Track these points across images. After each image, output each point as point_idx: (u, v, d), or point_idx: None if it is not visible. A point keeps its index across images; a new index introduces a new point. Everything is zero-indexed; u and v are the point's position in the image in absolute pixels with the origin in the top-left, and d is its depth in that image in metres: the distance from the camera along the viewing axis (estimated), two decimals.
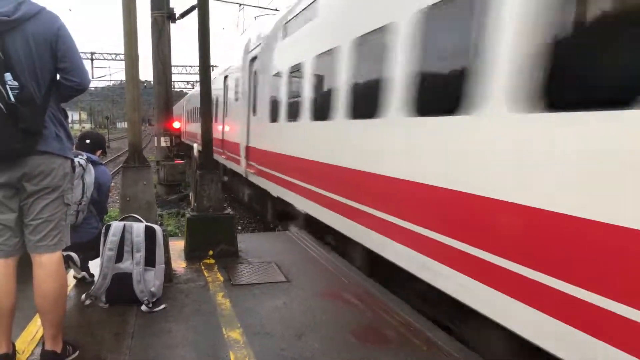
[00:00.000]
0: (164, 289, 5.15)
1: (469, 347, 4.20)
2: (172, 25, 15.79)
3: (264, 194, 10.82)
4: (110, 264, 4.89)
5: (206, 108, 6.95)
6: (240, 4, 22.04)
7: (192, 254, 6.48)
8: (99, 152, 5.54)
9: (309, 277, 5.87)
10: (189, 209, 7.13)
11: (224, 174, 16.65)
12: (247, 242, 7.32)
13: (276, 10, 20.13)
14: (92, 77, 56.70)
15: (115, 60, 57.08)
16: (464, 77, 3.96)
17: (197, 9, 6.84)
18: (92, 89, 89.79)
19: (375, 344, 4.15)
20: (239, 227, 13.18)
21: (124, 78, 5.65)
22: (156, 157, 17.15)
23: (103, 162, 5.58)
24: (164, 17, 15.23)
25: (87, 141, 5.45)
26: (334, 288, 5.51)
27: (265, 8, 21.24)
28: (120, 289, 4.86)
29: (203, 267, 6.15)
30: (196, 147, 8.38)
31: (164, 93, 16.08)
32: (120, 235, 4.94)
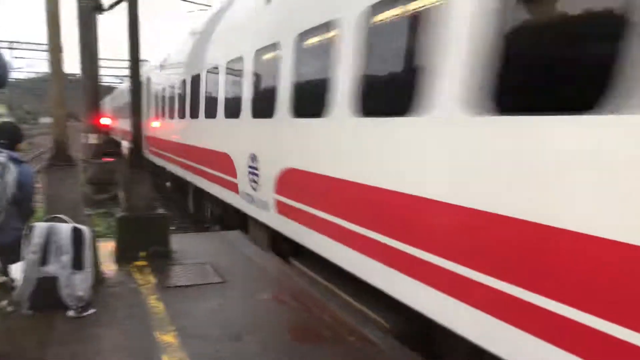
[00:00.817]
0: (93, 292, 4.94)
1: (403, 343, 4.30)
2: (106, 15, 15.22)
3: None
4: (34, 267, 4.65)
5: (136, 104, 6.74)
6: None
7: (123, 256, 6.26)
8: (19, 146, 5.22)
9: (245, 278, 5.82)
10: (120, 209, 6.88)
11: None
12: (181, 242, 7.15)
13: (209, 5, 19.80)
14: (13, 68, 53.66)
15: (38, 50, 54.12)
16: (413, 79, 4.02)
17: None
18: (13, 80, 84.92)
19: (312, 343, 4.18)
20: (173, 227, 12.86)
21: (46, 70, 5.39)
22: (84, 155, 16.45)
23: (25, 160, 5.27)
24: (91, 7, 14.62)
25: (2, 140, 5.12)
26: (270, 288, 5.49)
27: (196, 3, 20.84)
28: (46, 294, 4.63)
29: (134, 269, 5.96)
30: (125, 144, 8.12)
31: (92, 87, 15.42)
32: (45, 237, 4.70)
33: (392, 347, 4.15)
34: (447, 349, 4.08)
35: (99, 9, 14.50)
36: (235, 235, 7.92)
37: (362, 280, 4.59)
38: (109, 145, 16.61)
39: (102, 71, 16.64)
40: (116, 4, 14.18)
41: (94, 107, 15.54)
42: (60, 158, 5.27)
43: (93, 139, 16.08)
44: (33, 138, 49.41)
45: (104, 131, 16.44)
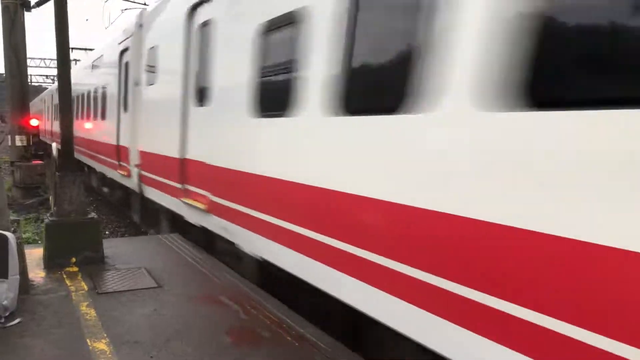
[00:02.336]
0: (20, 301, 4.73)
1: (340, 340, 4.36)
2: (32, 13, 14.57)
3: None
4: None
5: (65, 103, 6.48)
6: None
7: (53, 262, 6.01)
8: None
9: (182, 281, 5.72)
10: (49, 214, 6.61)
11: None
12: (115, 247, 6.95)
13: (145, 4, 19.33)
14: None
15: None
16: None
17: None
18: None
19: (250, 344, 4.16)
20: (107, 232, 12.47)
21: None
22: (10, 158, 15.66)
23: None
24: (16, 4, 13.96)
25: None
26: (208, 290, 5.43)
27: (132, 1, 20.30)
28: None
29: (65, 276, 5.74)
30: (55, 146, 7.78)
31: (19, 87, 14.75)
32: None
33: (331, 346, 4.20)
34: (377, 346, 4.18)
35: (26, 6, 13.84)
36: (171, 238, 7.77)
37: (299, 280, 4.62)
38: (37, 146, 15.94)
39: (30, 70, 15.89)
40: (44, 1, 13.63)
41: (22, 107, 14.85)
42: None
43: (20, 140, 15.36)
44: None
45: (33, 132, 15.73)
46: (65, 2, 6.23)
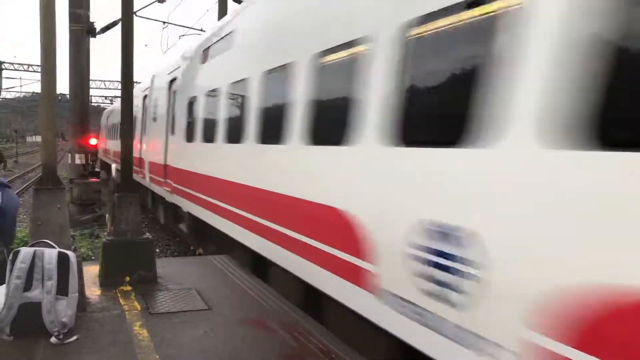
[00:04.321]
0: (77, 318, 4.88)
1: None
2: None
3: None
4: (18, 293, 4.58)
5: (127, 126, 6.74)
6: (164, 22, 21.67)
7: (108, 281, 6.19)
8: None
9: (231, 304, 5.77)
10: (105, 233, 6.83)
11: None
12: (166, 267, 7.10)
13: (202, 30, 20.00)
14: (1, 88, 53.20)
15: (28, 71, 53.89)
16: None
17: (121, 24, 6.68)
18: (1, 100, 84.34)
19: None
20: (157, 250, 12.76)
21: (35, 90, 5.42)
22: (69, 175, 16.31)
23: (9, 185, 5.23)
24: (83, 30, 14.68)
25: None
26: (256, 314, 5.46)
27: (190, 27, 21.02)
28: (28, 319, 4.56)
29: (119, 295, 5.89)
30: (114, 167, 8.10)
31: (80, 108, 15.41)
32: (30, 262, 4.65)
33: None
34: None
35: (92, 32, 14.54)
36: (221, 259, 7.88)
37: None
38: (94, 163, 16.55)
39: (91, 92, 16.69)
40: (109, 27, 14.29)
41: (82, 127, 15.49)
42: (48, 182, 5.23)
43: (79, 158, 15.98)
44: (19, 157, 48.95)
45: (92, 151, 16.35)
46: (132, 32, 6.52)
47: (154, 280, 6.41)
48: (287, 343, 4.73)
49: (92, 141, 16.53)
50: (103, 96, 62.35)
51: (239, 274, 7.03)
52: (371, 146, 4.14)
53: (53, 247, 4.87)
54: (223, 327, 5.04)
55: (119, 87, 7.44)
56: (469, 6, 3.27)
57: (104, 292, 5.96)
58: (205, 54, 9.32)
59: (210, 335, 4.82)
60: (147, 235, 6.63)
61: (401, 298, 3.71)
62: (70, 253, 4.84)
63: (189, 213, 10.15)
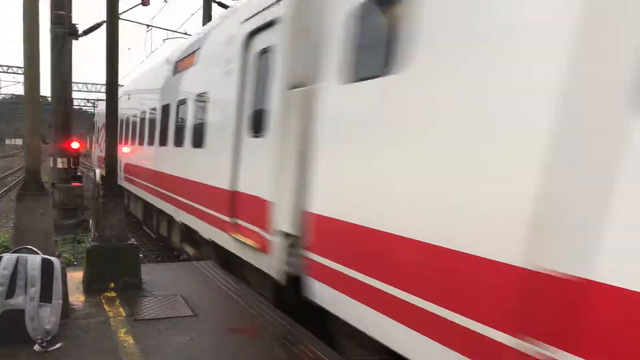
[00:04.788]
0: (60, 325, 4.82)
1: None
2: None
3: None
4: (0, 300, 4.51)
5: (112, 131, 6.67)
6: (148, 25, 21.53)
7: (92, 287, 6.12)
8: None
9: (217, 310, 5.75)
10: (90, 238, 6.76)
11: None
12: (151, 273, 7.04)
13: (186, 33, 19.92)
14: None
15: (8, 72, 53.08)
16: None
17: (105, 26, 6.62)
18: None
19: None
20: (141, 256, 12.63)
21: (15, 92, 5.36)
22: (51, 179, 16.11)
23: None
24: (65, 32, 14.53)
25: None
26: (243, 321, 5.44)
27: (174, 31, 20.93)
28: (11, 327, 4.49)
29: (104, 301, 5.83)
30: (99, 172, 8.04)
31: (63, 111, 15.24)
32: (13, 268, 4.59)
33: None
34: None
35: (74, 34, 14.39)
36: (206, 265, 7.84)
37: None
38: (77, 169, 16.36)
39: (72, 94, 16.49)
40: (92, 29, 14.16)
41: (65, 131, 15.32)
42: (32, 187, 5.16)
43: (62, 162, 15.80)
44: None
45: (74, 155, 16.17)
46: (117, 34, 6.47)
47: (139, 287, 6.36)
48: (275, 349, 4.73)
49: (75, 145, 16.33)
50: (85, 99, 61.66)
51: (224, 280, 7.00)
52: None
53: (37, 253, 4.81)
54: (210, 334, 5.02)
55: (102, 89, 7.41)
56: None
57: (88, 299, 5.89)
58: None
59: (197, 342, 4.79)
60: (132, 241, 6.58)
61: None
62: (54, 259, 4.79)
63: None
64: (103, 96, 57.90)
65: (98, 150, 23.35)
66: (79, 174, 17.17)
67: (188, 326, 5.19)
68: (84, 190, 16.57)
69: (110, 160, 6.58)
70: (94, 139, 30.53)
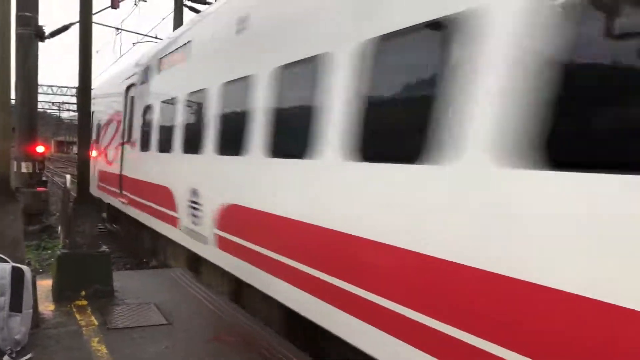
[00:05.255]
0: (30, 335, 4.71)
1: None
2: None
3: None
4: None
5: (84, 135, 6.56)
6: (117, 29, 21.21)
7: (62, 295, 5.99)
8: None
9: (191, 318, 5.70)
10: (60, 245, 6.62)
11: None
12: (123, 280, 6.93)
13: (156, 37, 19.72)
14: None
15: None
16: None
17: (79, 27, 6.52)
18: None
19: None
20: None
21: None
22: (15, 184, 15.69)
23: None
24: (31, 34, 14.21)
25: None
26: (218, 329, 5.41)
27: (144, 35, 20.68)
28: None
29: (75, 310, 5.72)
30: (69, 177, 7.84)
31: (28, 114, 14.87)
32: None
33: None
34: None
35: (41, 36, 14.08)
36: (178, 272, 7.76)
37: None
38: (43, 174, 15.99)
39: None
40: (59, 31, 13.88)
41: (30, 134, 14.96)
42: (1, 193, 5.04)
43: (26, 167, 15.41)
44: None
45: (39, 159, 15.79)
46: (90, 36, 6.38)
47: (111, 295, 6.25)
48: (251, 356, 4.71)
49: (40, 149, 15.96)
50: (50, 102, 60.28)
51: (197, 287, 6.95)
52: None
53: (6, 261, 4.69)
54: (185, 342, 4.98)
55: (68, 93, 7.28)
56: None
57: (58, 307, 5.76)
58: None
59: (173, 351, 4.75)
60: (104, 248, 6.47)
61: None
62: (25, 268, 4.68)
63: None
64: (69, 99, 56.15)
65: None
66: (44, 178, 16.79)
67: (163, 335, 5.13)
68: (49, 196, 16.20)
69: (82, 166, 6.47)
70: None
